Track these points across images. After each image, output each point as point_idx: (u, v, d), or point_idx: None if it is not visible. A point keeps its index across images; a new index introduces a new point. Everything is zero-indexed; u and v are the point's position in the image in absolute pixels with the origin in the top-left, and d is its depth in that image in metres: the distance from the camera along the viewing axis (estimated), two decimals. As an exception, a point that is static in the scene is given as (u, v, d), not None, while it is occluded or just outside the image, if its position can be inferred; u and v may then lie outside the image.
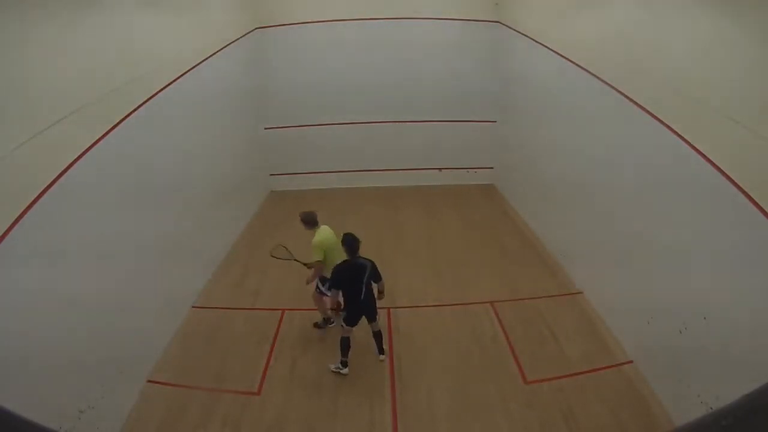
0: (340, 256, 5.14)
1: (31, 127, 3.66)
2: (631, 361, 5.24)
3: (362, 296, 5.03)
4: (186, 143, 6.40)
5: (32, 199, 3.67)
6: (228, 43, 7.87)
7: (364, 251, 5.13)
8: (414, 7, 9.28)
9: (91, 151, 4.38)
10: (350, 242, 5.00)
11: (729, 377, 3.62)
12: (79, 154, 4.22)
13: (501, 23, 9.13)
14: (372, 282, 5.12)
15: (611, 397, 4.82)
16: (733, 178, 3.75)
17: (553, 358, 5.41)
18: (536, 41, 7.57)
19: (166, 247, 5.76)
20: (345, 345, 5.20)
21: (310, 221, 5.47)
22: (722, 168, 3.87)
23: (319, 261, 5.35)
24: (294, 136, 9.98)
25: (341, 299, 5.12)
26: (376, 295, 5.22)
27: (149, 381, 5.14)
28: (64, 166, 4.03)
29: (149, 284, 5.28)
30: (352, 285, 4.99)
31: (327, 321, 5.96)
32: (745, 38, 3.68)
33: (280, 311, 6.34)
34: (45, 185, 3.81)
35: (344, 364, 5.23)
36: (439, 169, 10.37)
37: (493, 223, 8.78)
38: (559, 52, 6.78)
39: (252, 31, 9.08)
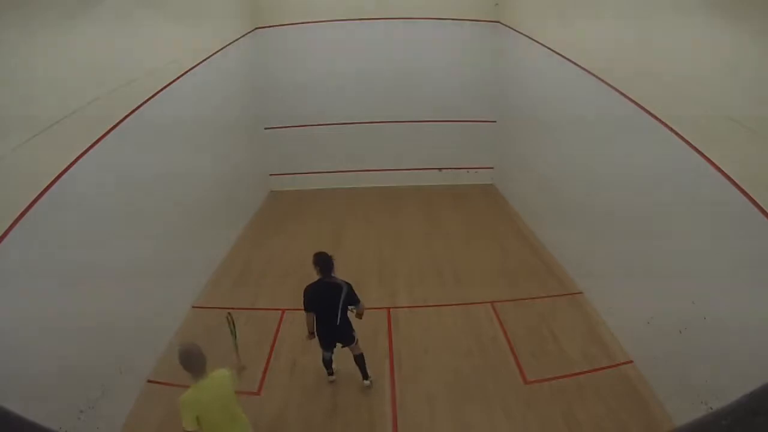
0: None
1: (31, 127, 3.67)
2: (631, 361, 5.24)
3: (338, 321, 4.62)
4: (186, 144, 6.40)
5: (33, 198, 3.68)
6: (227, 43, 7.87)
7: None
8: (414, 7, 9.27)
9: (91, 151, 4.39)
10: (323, 261, 4.54)
11: (729, 377, 3.62)
12: (78, 154, 4.23)
13: (501, 23, 9.12)
14: (349, 306, 4.66)
15: (611, 397, 4.82)
16: (734, 177, 3.75)
17: (553, 358, 5.41)
18: (536, 41, 7.57)
19: (166, 246, 5.76)
20: (326, 364, 5.01)
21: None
22: (722, 168, 3.87)
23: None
24: (294, 136, 9.97)
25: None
26: (352, 321, 4.78)
27: (149, 381, 5.14)
28: (64, 167, 4.03)
29: (149, 284, 5.28)
30: (326, 308, 4.58)
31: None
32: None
33: (280, 311, 6.34)
34: (44, 186, 3.82)
35: (330, 374, 5.11)
36: (439, 169, 10.37)
37: (493, 223, 8.78)
38: (559, 52, 6.78)
39: (251, 31, 9.08)
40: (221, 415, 3.48)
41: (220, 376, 3.49)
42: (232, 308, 6.48)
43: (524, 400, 4.86)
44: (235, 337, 4.32)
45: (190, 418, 3.30)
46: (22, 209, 3.56)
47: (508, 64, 9.05)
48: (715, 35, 3.96)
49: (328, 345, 4.84)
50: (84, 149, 4.30)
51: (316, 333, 4.73)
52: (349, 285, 4.64)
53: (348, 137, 10.00)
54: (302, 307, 4.62)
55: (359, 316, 4.79)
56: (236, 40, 8.29)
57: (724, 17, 3.85)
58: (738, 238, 3.76)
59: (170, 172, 5.94)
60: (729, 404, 0.80)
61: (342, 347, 4.89)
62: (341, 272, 4.74)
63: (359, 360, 4.93)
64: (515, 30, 8.46)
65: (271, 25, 9.34)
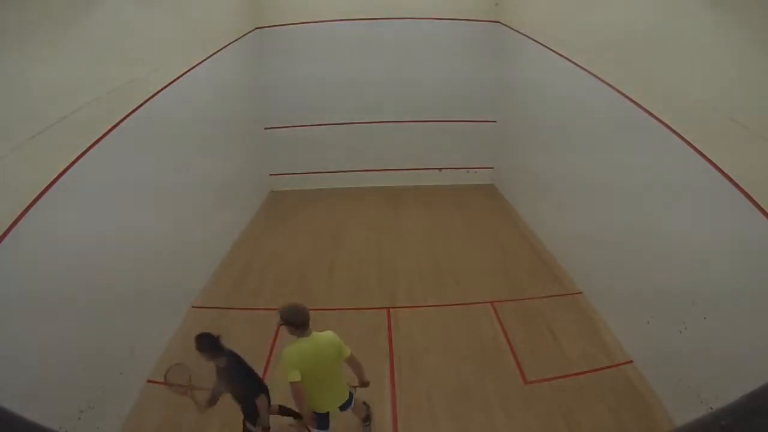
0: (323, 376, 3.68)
1: (30, 128, 3.67)
2: (631, 361, 5.25)
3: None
4: (186, 144, 6.40)
5: (34, 197, 3.68)
6: (228, 43, 7.87)
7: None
8: (414, 7, 9.27)
9: (91, 151, 4.39)
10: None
11: (729, 377, 3.63)
12: (78, 154, 4.23)
13: (501, 23, 9.12)
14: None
15: (611, 397, 4.82)
16: (733, 178, 3.75)
17: (553, 358, 5.41)
18: (536, 41, 7.57)
19: (165, 246, 5.76)
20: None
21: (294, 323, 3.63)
22: (722, 167, 3.87)
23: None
24: (294, 136, 9.97)
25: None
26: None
27: (149, 381, 5.14)
28: (64, 167, 4.04)
29: (149, 284, 5.28)
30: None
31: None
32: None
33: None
34: (46, 184, 3.82)
35: None
36: (439, 169, 10.37)
37: (493, 223, 8.77)
38: (559, 51, 6.78)
39: (252, 31, 9.07)
40: (322, 373, 3.60)
41: (325, 336, 3.62)
42: (232, 308, 6.52)
43: (524, 400, 4.86)
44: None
45: (292, 370, 3.45)
46: (22, 209, 3.57)
47: (508, 64, 9.04)
48: (718, 35, 3.96)
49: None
50: (84, 149, 4.30)
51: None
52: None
53: (348, 137, 10.00)
54: None
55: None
56: (236, 39, 8.28)
57: (727, 16, 3.85)
58: (738, 237, 3.76)
59: (170, 172, 5.93)
60: (729, 404, 0.80)
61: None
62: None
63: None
64: (515, 30, 8.46)
65: (272, 24, 9.34)
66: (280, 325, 3.59)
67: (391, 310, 6.29)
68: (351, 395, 3.97)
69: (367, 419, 4.48)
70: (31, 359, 3.50)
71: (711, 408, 3.84)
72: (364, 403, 4.42)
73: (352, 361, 3.79)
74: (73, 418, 3.90)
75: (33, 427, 0.92)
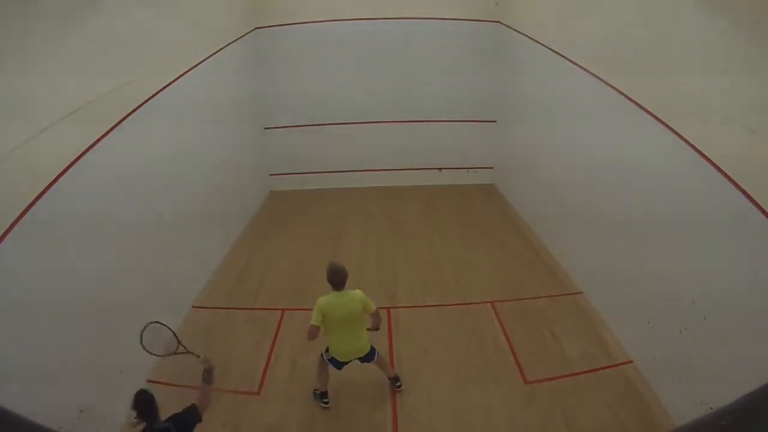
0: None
1: (29, 128, 3.67)
2: (631, 361, 5.24)
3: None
4: (185, 144, 6.40)
5: (33, 197, 3.68)
6: (227, 43, 7.87)
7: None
8: (414, 7, 9.27)
9: (91, 152, 4.39)
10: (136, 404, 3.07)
11: (729, 377, 3.62)
12: (78, 154, 4.23)
13: (501, 23, 9.12)
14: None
15: (611, 397, 4.82)
16: (733, 177, 3.75)
17: (553, 358, 5.41)
18: (536, 41, 7.57)
19: (165, 246, 5.76)
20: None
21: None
22: (721, 167, 3.87)
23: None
24: (294, 136, 9.97)
25: None
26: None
27: (149, 381, 5.13)
28: (64, 167, 4.04)
29: (149, 284, 5.27)
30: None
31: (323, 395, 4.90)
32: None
33: (280, 311, 6.34)
34: (44, 186, 3.82)
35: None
36: (439, 169, 10.37)
37: (493, 223, 8.77)
38: (559, 51, 6.78)
39: (251, 31, 9.07)
40: (345, 324, 4.32)
41: (355, 294, 4.33)
42: (232, 308, 6.53)
43: (524, 400, 4.86)
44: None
45: (317, 316, 4.21)
46: (23, 209, 3.56)
47: (508, 64, 9.04)
48: (716, 34, 3.96)
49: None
50: (83, 150, 4.30)
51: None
52: (176, 421, 3.15)
53: (348, 137, 9.99)
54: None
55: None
56: (236, 39, 8.28)
57: (724, 16, 3.85)
58: (738, 237, 3.76)
59: (170, 171, 5.94)
60: (729, 404, 0.80)
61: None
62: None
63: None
64: (515, 30, 8.46)
65: (272, 25, 9.34)
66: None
67: (391, 310, 6.29)
68: (373, 350, 4.64)
69: (396, 379, 4.98)
70: (31, 359, 3.50)
71: (711, 408, 3.84)
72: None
73: (374, 315, 4.48)
74: (73, 418, 3.90)
75: (33, 427, 0.92)
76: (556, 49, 6.90)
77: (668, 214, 4.59)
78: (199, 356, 3.57)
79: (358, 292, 4.35)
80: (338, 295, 4.27)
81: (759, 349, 3.43)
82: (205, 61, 6.92)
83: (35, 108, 3.74)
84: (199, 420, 3.22)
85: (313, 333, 4.25)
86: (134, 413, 3.05)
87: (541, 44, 7.36)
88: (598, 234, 6.00)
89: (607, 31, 5.62)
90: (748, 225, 3.58)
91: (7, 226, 3.41)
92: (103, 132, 4.59)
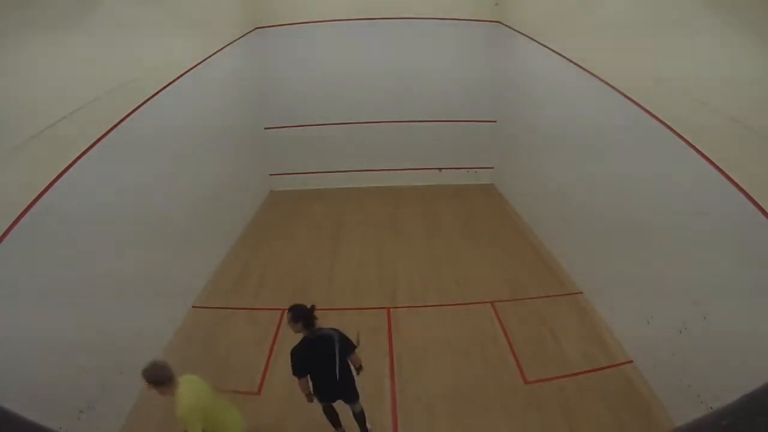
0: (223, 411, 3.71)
1: (29, 128, 3.67)
2: (631, 361, 5.25)
3: (338, 376, 3.97)
4: (186, 144, 6.39)
5: (35, 196, 3.69)
6: (227, 43, 7.87)
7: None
8: (414, 7, 9.26)
9: (91, 152, 4.39)
10: (302, 314, 3.87)
11: (729, 377, 3.62)
12: (77, 155, 4.23)
13: (501, 23, 9.12)
14: (347, 355, 4.02)
15: (611, 397, 4.82)
16: (735, 179, 3.75)
17: (553, 358, 5.41)
18: (536, 41, 7.57)
19: (165, 246, 5.76)
20: (330, 415, 4.38)
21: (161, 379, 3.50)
22: (723, 169, 3.87)
23: None
24: (294, 136, 9.96)
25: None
26: (354, 372, 4.17)
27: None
28: (63, 168, 4.04)
29: (149, 284, 5.28)
30: (322, 366, 3.97)
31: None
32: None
33: (280, 311, 6.34)
34: (47, 183, 3.82)
35: (337, 427, 4.48)
36: (439, 169, 10.37)
37: (493, 223, 8.77)
38: (560, 52, 6.78)
39: (251, 31, 9.07)
40: (218, 407, 3.65)
41: (193, 377, 3.62)
42: (232, 308, 6.52)
43: (524, 400, 4.86)
44: None
45: (197, 425, 3.40)
46: (21, 210, 3.57)
47: (508, 64, 9.04)
48: (720, 39, 3.96)
49: (328, 397, 4.25)
50: (83, 150, 4.30)
51: (314, 393, 4.14)
52: (338, 332, 3.97)
53: (348, 137, 9.99)
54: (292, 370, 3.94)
55: (358, 369, 4.16)
56: (236, 40, 8.28)
57: (728, 19, 3.85)
58: (738, 238, 3.76)
59: (170, 172, 5.94)
60: (729, 404, 0.80)
61: (346, 403, 4.33)
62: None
63: (359, 418, 4.36)
64: (515, 30, 8.46)
65: (272, 25, 9.33)
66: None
67: (391, 310, 6.29)
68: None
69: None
70: (31, 359, 3.50)
71: (711, 408, 3.84)
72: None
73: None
74: (73, 418, 3.91)
75: (33, 427, 0.92)
76: (556, 50, 6.90)
77: (669, 215, 4.59)
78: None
79: (190, 375, 3.62)
80: (186, 388, 3.50)
81: (759, 350, 3.43)
82: (205, 61, 6.92)
83: (35, 108, 3.74)
84: (356, 345, 4.03)
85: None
86: (298, 323, 3.84)
87: (542, 44, 7.35)
88: (598, 234, 6.00)
89: (607, 31, 5.62)
90: (749, 226, 3.58)
91: (7, 227, 3.41)
92: (102, 134, 4.59)
